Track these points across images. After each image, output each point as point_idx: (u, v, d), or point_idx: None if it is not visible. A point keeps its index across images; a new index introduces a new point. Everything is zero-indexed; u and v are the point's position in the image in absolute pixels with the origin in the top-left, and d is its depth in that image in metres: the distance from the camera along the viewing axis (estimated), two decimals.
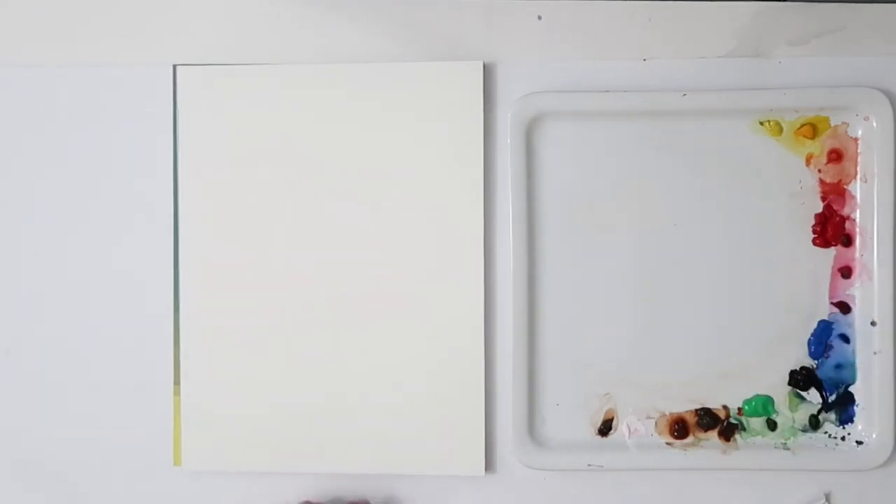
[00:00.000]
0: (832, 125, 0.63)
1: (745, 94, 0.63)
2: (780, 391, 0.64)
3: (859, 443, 0.63)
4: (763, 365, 0.64)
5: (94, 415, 0.66)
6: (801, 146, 0.64)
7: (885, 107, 0.62)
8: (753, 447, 0.64)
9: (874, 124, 0.63)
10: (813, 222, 0.64)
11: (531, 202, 0.64)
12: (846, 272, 0.63)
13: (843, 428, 0.64)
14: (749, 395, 0.64)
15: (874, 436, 0.63)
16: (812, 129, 0.63)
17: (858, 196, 0.63)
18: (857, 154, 0.63)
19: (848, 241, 0.63)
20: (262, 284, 0.65)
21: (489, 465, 0.65)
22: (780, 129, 0.63)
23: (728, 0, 0.64)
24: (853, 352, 0.63)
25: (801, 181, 0.64)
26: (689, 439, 0.64)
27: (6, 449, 0.67)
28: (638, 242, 0.64)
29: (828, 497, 0.64)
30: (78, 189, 0.66)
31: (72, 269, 0.66)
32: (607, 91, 0.64)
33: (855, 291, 0.63)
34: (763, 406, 0.64)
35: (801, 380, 0.64)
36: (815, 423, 0.64)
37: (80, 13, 0.66)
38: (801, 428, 0.64)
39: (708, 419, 0.64)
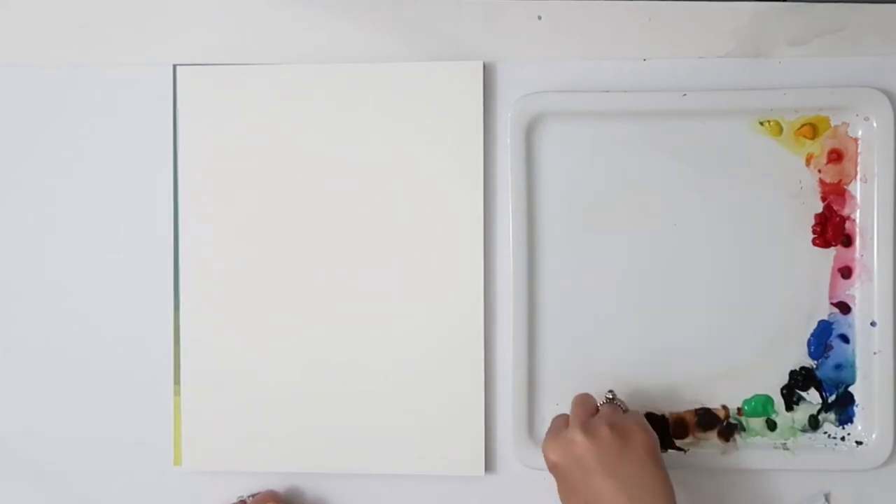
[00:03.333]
0: (832, 125, 0.63)
1: (745, 94, 0.63)
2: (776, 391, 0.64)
3: (859, 443, 0.63)
4: (763, 365, 0.64)
5: (95, 415, 0.66)
6: (801, 146, 0.63)
7: (885, 107, 0.62)
8: (753, 447, 0.64)
9: (874, 124, 0.63)
10: (813, 222, 0.64)
11: (531, 202, 0.64)
12: (846, 272, 0.63)
13: (843, 428, 0.64)
14: (749, 396, 0.64)
15: (874, 436, 0.63)
16: (812, 129, 0.63)
17: (858, 196, 0.63)
18: (857, 154, 0.63)
19: (848, 241, 0.63)
20: (262, 284, 0.65)
21: (489, 465, 0.65)
22: (780, 129, 0.63)
23: (728, 0, 0.64)
24: (853, 352, 0.63)
25: (801, 181, 0.64)
26: (689, 439, 0.64)
27: (6, 449, 0.67)
28: (638, 242, 0.64)
29: (827, 497, 0.64)
30: (78, 189, 0.66)
31: (72, 269, 0.66)
32: (607, 91, 0.64)
33: (855, 291, 0.63)
34: (763, 406, 0.64)
35: (800, 380, 0.64)
36: (814, 424, 0.64)
37: (80, 13, 0.66)
38: (800, 428, 0.64)
39: (708, 419, 0.64)
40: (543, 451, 0.58)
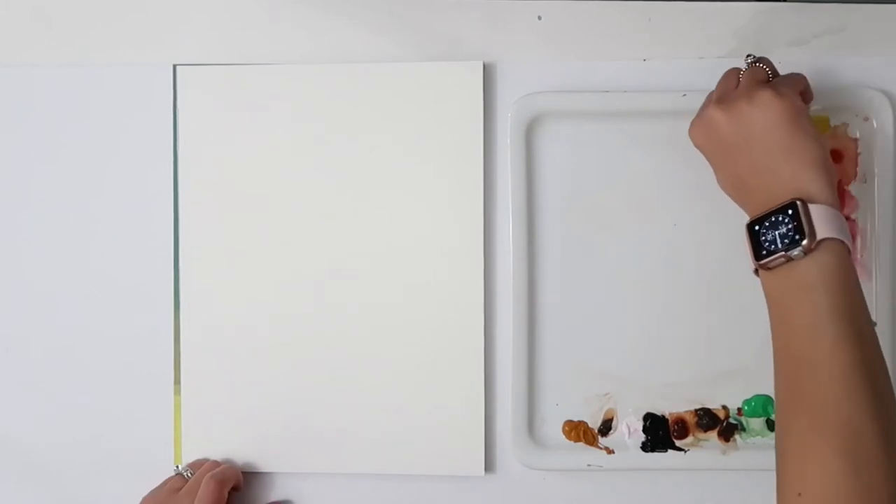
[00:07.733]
0: (832, 125, 0.63)
1: None
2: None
3: None
4: (763, 365, 0.63)
5: (95, 415, 0.66)
6: None
7: (885, 107, 0.62)
8: (753, 447, 0.64)
9: (874, 124, 0.63)
10: None
11: (531, 202, 0.64)
12: None
13: None
14: (749, 396, 0.64)
15: None
16: None
17: (858, 196, 0.63)
18: (856, 154, 0.63)
19: None
20: (262, 284, 0.65)
21: (489, 465, 0.65)
22: None
23: (728, 0, 0.64)
24: None
25: None
26: (689, 439, 0.64)
27: (6, 449, 0.67)
28: (638, 242, 0.64)
29: None
30: (78, 189, 0.66)
31: (72, 269, 0.66)
32: (607, 91, 0.64)
33: None
34: (763, 406, 0.64)
35: None
36: None
37: (80, 13, 0.66)
38: None
39: (708, 419, 0.64)
40: (689, 135, 0.57)
